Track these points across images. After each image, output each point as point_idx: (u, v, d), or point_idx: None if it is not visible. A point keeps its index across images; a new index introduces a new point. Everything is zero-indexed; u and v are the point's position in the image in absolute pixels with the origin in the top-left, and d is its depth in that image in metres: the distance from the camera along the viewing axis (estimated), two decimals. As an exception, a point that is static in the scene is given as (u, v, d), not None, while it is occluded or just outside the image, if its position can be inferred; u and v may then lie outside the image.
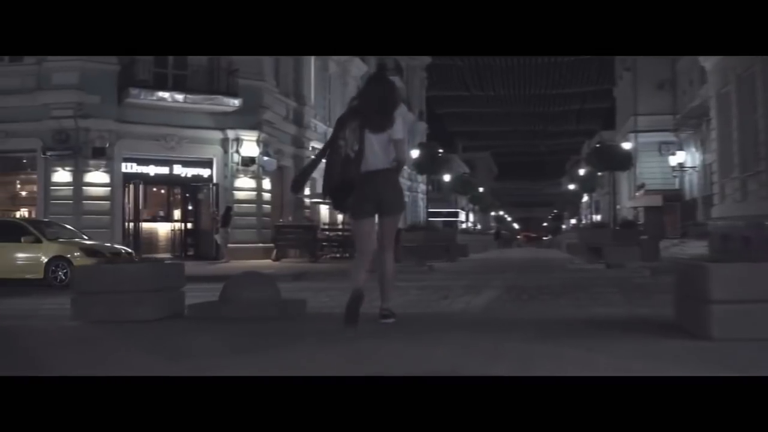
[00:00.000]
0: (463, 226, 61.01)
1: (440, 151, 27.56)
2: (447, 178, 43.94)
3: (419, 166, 25.87)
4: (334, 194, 5.19)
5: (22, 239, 13.91)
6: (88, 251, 13.74)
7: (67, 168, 19.50)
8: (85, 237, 15.24)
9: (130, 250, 14.89)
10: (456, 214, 61.84)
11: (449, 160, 54.78)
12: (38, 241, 13.97)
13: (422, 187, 44.13)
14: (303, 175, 5.79)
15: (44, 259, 13.69)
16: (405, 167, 6.71)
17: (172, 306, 5.57)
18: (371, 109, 5.04)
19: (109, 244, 15.22)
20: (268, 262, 20.33)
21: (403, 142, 5.13)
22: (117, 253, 14.09)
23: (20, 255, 13.99)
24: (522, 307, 8.09)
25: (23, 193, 21.71)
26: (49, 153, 19.32)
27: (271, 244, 21.66)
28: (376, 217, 5.13)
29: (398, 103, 5.27)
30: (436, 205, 56.35)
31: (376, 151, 5.00)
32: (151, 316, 5.28)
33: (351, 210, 5.22)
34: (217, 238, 20.81)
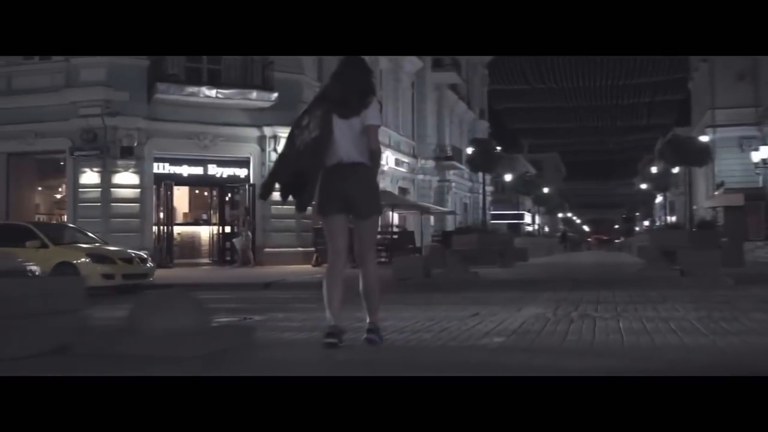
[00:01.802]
0: (529, 228, 58.52)
1: (498, 148, 25.75)
2: (509, 177, 41.79)
3: (472, 163, 24.04)
4: (284, 189, 4.60)
5: (27, 244, 12.83)
6: (95, 257, 12.60)
7: (95, 169, 18.56)
8: (100, 242, 14.08)
9: (145, 256, 13.65)
10: (521, 217, 59.36)
11: (512, 159, 52.65)
12: (44, 246, 12.87)
13: (484, 188, 42.07)
14: (271, 179, 4.81)
15: (49, 265, 12.56)
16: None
17: (58, 337, 4.03)
18: (340, 92, 4.55)
19: (129, 250, 14.04)
20: (307, 267, 18.94)
21: (375, 130, 4.58)
22: (128, 259, 12.88)
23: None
24: (562, 335, 6.30)
25: (58, 197, 21.00)
26: (76, 153, 18.42)
27: (312, 248, 20.23)
28: (349, 217, 4.58)
29: (373, 89, 4.76)
30: (500, 207, 54.27)
31: (345, 140, 4.47)
32: (20, 351, 3.77)
33: (317, 207, 4.62)
34: (236, 242, 19.54)
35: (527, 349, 5.03)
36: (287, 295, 11.84)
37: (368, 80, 4.69)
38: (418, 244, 24.55)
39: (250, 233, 19.31)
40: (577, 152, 77.49)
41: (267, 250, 20.16)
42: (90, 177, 18.61)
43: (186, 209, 22.22)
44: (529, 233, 48.84)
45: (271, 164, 20.16)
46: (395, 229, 25.02)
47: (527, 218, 62.72)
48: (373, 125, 4.55)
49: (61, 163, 19.81)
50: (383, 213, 24.37)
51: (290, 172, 4.53)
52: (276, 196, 4.71)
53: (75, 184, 18.76)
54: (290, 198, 4.65)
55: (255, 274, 16.08)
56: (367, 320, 4.67)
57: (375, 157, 4.59)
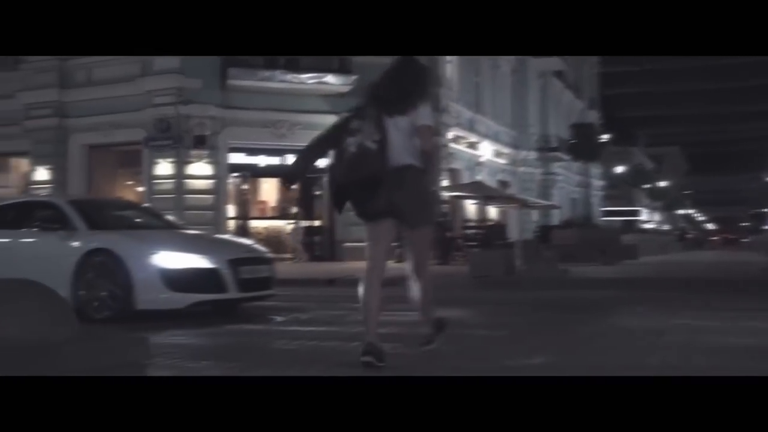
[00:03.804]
0: (647, 226, 54.91)
1: (604, 136, 23.53)
2: (620, 169, 38.94)
3: (572, 150, 21.96)
4: (354, 196, 4.32)
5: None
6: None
7: (169, 159, 17.98)
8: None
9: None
10: (635, 213, 55.78)
11: (626, 152, 49.45)
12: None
13: (589, 179, 39.42)
14: (302, 165, 4.69)
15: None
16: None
17: None
18: (390, 90, 4.34)
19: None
20: (388, 263, 17.63)
21: (429, 130, 4.34)
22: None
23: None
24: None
25: (139, 189, 20.66)
26: (150, 143, 17.93)
27: (395, 243, 18.88)
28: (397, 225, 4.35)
29: (429, 88, 4.50)
30: (613, 203, 51.19)
31: (395, 140, 4.24)
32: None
33: (360, 210, 4.37)
34: (290, 236, 18.42)
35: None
36: (342, 293, 10.59)
37: (424, 80, 4.42)
38: (513, 239, 22.75)
39: (304, 225, 18.23)
40: (699, 143, 72.02)
41: (346, 245, 18.97)
42: (164, 168, 18.09)
43: (274, 202, 21.40)
44: (643, 230, 45.50)
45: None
46: (488, 223, 23.36)
47: (643, 215, 59.00)
48: (426, 125, 4.31)
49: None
50: (481, 206, 22.70)
51: (359, 178, 4.23)
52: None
53: (150, 176, 18.30)
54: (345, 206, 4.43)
55: (325, 270, 14.93)
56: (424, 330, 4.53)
57: (430, 159, 4.38)
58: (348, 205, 4.40)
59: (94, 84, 19.01)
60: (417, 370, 4.22)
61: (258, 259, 7.91)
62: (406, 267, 4.52)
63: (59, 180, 19.34)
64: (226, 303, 7.53)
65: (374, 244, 4.38)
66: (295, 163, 4.74)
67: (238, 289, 7.26)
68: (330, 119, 18.77)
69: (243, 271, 7.35)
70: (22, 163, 20.92)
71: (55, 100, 19.38)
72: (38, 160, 19.75)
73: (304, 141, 18.17)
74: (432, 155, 4.42)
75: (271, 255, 8.36)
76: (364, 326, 4.31)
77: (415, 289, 4.46)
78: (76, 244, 7.24)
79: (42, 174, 19.61)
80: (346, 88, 18.58)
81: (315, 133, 17.71)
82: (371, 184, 4.20)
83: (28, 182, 19.98)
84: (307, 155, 4.68)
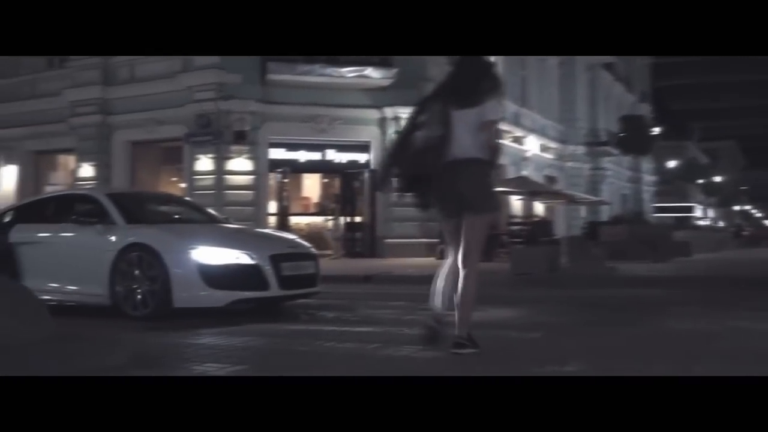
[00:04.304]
0: (701, 222, 53.28)
1: (655, 129, 22.71)
2: (672, 164, 37.77)
3: (621, 143, 21.24)
4: (410, 189, 4.57)
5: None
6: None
7: (209, 155, 17.94)
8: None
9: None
10: (689, 209, 54.19)
11: (679, 146, 48.02)
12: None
13: (640, 174, 38.38)
14: (386, 169, 4.78)
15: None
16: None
17: None
18: (458, 85, 4.45)
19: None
20: (430, 260, 17.28)
21: (494, 125, 4.48)
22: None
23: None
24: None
25: (182, 185, 20.71)
26: (191, 139, 17.92)
27: (437, 240, 18.51)
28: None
29: (495, 85, 4.51)
30: (666, 199, 49.84)
31: (461, 134, 4.34)
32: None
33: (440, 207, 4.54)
34: (329, 232, 18.19)
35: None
36: (376, 290, 10.33)
37: (490, 76, 4.50)
38: (559, 236, 22.16)
39: (343, 222, 17.98)
40: (756, 137, 69.54)
41: (388, 241, 18.70)
42: (204, 163, 18.06)
43: (316, 198, 21.24)
44: (697, 227, 44.12)
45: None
46: (534, 219, 22.80)
47: (697, 211, 57.31)
48: (491, 120, 4.42)
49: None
50: (527, 201, 22.11)
51: (413, 172, 4.42)
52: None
53: (191, 172, 18.30)
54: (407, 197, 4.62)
55: (363, 266, 14.66)
56: (455, 332, 4.39)
57: (494, 153, 4.49)
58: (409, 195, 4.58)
59: (137, 81, 19.13)
60: (433, 372, 3.91)
61: (301, 255, 7.56)
62: (451, 263, 4.55)
63: (104, 176, 19.51)
64: (268, 301, 7.18)
65: (450, 239, 4.51)
66: (380, 170, 4.95)
67: (280, 287, 6.93)
68: (370, 113, 18.54)
69: (285, 268, 7.01)
70: (69, 160, 21.19)
71: (99, 97, 19.55)
72: (83, 156, 19.97)
73: (344, 136, 18.00)
74: (497, 149, 4.53)
75: (314, 251, 8.00)
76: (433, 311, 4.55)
77: (457, 285, 4.40)
78: (113, 238, 7.00)
79: (87, 170, 19.82)
80: (387, 82, 18.30)
81: (355, 128, 17.55)
82: (436, 177, 4.33)
83: (74, 179, 20.22)
84: (387, 160, 4.78)
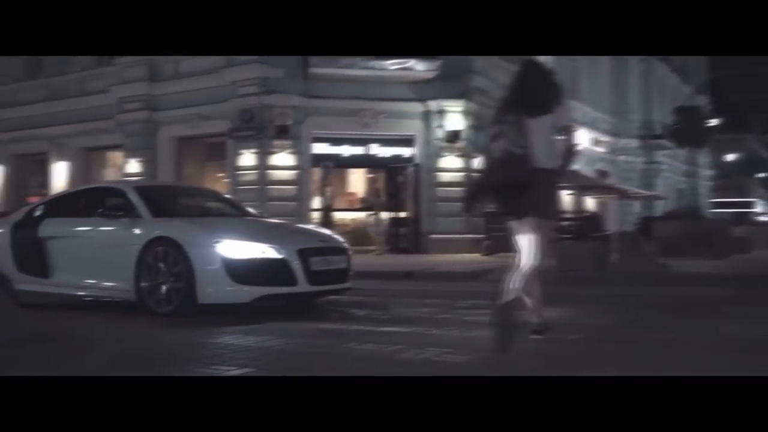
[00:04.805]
0: (762, 218, 51.36)
1: (711, 121, 21.80)
2: (731, 157, 36.41)
3: (676, 135, 20.43)
4: (496, 199, 4.72)
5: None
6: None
7: (252, 150, 17.87)
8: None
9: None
10: (749, 204, 52.28)
11: (739, 139, 46.32)
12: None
13: (696, 168, 37.08)
14: (476, 192, 5.09)
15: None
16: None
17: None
18: (526, 94, 4.61)
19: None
20: (475, 256, 16.89)
21: (569, 130, 4.69)
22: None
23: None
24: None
25: (226, 181, 20.72)
26: (234, 134, 17.87)
27: (483, 236, 18.07)
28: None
29: (561, 89, 4.73)
30: (725, 194, 48.20)
31: (537, 142, 4.48)
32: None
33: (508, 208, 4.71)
34: (372, 227, 17.84)
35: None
36: (415, 287, 10.04)
37: (549, 81, 4.68)
38: (611, 231, 21.48)
39: (386, 217, 17.68)
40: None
41: (432, 236, 18.35)
42: (247, 158, 17.99)
43: (361, 193, 21.03)
44: (757, 222, 42.47)
45: (438, 142, 18.49)
46: (583, 215, 22.15)
47: (758, 207, 55.29)
48: (566, 126, 4.66)
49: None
50: (578, 196, 21.60)
51: (498, 183, 4.57)
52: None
53: (234, 167, 18.26)
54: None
55: (406, 262, 14.37)
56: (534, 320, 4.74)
57: (571, 156, 4.70)
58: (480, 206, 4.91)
59: (181, 77, 19.17)
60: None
61: (332, 249, 7.24)
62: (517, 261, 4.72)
63: (150, 172, 19.64)
64: (297, 297, 6.90)
65: (526, 238, 4.63)
66: (469, 190, 5.20)
67: (308, 282, 6.64)
68: (414, 107, 18.13)
69: (314, 263, 6.72)
70: (117, 156, 21.41)
71: (145, 94, 19.67)
72: (131, 152, 20.12)
73: (388, 130, 17.58)
74: (572, 154, 4.73)
75: (346, 245, 7.65)
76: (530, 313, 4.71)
77: (530, 281, 4.66)
78: (139, 232, 6.83)
79: (134, 166, 19.97)
80: (431, 74, 17.94)
81: (399, 122, 17.11)
82: (518, 186, 4.48)
83: (122, 175, 20.41)
84: (479, 183, 4.95)
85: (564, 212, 23.20)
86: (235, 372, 3.85)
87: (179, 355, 4.57)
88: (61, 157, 22.19)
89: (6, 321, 6.74)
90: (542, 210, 4.60)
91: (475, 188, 4.94)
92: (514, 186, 4.50)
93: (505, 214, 4.73)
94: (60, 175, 22.06)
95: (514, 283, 4.54)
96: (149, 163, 19.81)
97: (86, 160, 22.10)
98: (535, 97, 4.59)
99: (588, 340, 5.00)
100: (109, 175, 21.73)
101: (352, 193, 20.39)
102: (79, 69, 21.40)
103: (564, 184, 21.34)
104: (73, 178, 21.73)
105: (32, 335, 5.60)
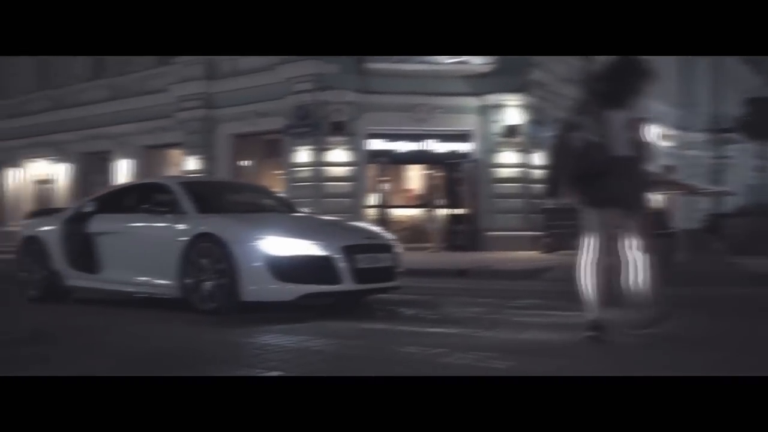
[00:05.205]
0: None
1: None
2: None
3: (746, 128, 19.51)
4: (574, 189, 4.70)
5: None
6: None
7: (307, 147, 17.81)
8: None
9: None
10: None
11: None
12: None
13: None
14: (556, 176, 4.95)
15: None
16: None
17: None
18: (613, 86, 4.65)
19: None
20: (533, 254, 16.44)
21: (645, 123, 4.77)
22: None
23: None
24: None
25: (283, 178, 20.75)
26: (289, 131, 17.84)
27: (542, 233, 17.59)
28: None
29: (647, 84, 4.69)
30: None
31: (616, 133, 4.57)
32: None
33: (589, 199, 4.67)
34: (428, 225, 17.59)
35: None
36: (469, 286, 9.74)
37: (643, 76, 4.66)
38: (677, 228, 20.68)
39: (442, 214, 17.35)
40: None
41: (490, 233, 17.96)
42: (303, 155, 17.94)
43: (417, 190, 20.79)
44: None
45: (495, 137, 18.08)
46: (650, 211, 21.35)
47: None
48: (643, 118, 4.73)
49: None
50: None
51: (576, 173, 4.62)
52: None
53: (289, 163, 18.24)
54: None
55: (462, 260, 14.06)
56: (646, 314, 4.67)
57: (647, 150, 4.74)
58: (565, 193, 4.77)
59: (238, 74, 19.26)
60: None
61: (378, 247, 7.00)
62: (598, 258, 4.68)
63: (208, 170, 19.82)
64: (342, 296, 6.67)
65: (600, 231, 4.64)
66: (550, 178, 5.05)
67: (354, 281, 6.44)
68: (471, 101, 17.77)
69: (360, 260, 6.51)
70: (176, 154, 21.70)
71: (203, 92, 19.85)
72: (190, 150, 20.35)
73: (444, 125, 17.26)
74: (649, 146, 4.78)
75: (394, 242, 7.42)
76: (589, 305, 4.65)
77: (633, 274, 4.64)
78: (183, 228, 6.76)
79: (192, 164, 20.19)
80: (487, 68, 17.56)
81: (456, 117, 16.85)
82: (598, 175, 4.53)
83: (182, 173, 20.65)
84: (555, 167, 4.95)
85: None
86: (260, 374, 3.67)
87: (211, 355, 4.43)
88: (124, 155, 22.62)
89: (46, 317, 6.75)
90: (627, 200, 4.60)
91: (558, 173, 4.88)
92: (595, 176, 4.54)
93: (588, 204, 4.68)
94: (122, 173, 22.49)
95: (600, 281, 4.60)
96: (207, 161, 20.00)
97: (147, 158, 22.46)
98: (620, 91, 4.63)
99: (642, 344, 4.66)
100: (169, 173, 22.05)
101: (408, 190, 20.14)
102: (139, 69, 21.77)
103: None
104: (135, 175, 22.13)
105: (65, 332, 5.57)
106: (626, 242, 4.65)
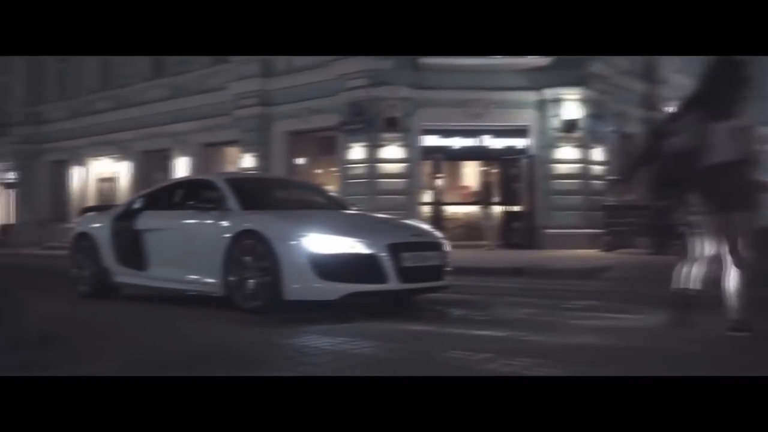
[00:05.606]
0: None
1: None
2: None
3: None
4: (662, 192, 4.91)
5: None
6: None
7: (361, 143, 17.67)
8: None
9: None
10: None
11: None
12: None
13: None
14: (634, 167, 5.18)
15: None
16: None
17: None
18: (716, 96, 4.65)
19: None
20: (593, 252, 15.94)
21: (752, 130, 4.74)
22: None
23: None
24: None
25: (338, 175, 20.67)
26: (343, 127, 17.74)
27: (602, 230, 17.04)
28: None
29: (749, 91, 4.72)
30: None
31: (723, 142, 4.58)
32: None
33: (703, 206, 4.78)
34: (484, 222, 17.30)
35: None
36: (524, 285, 9.43)
37: (745, 82, 4.65)
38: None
39: (498, 211, 16.96)
40: None
41: (547, 231, 17.51)
42: (357, 152, 17.80)
43: (474, 187, 20.44)
44: None
45: (553, 132, 17.59)
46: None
47: None
48: (750, 126, 4.69)
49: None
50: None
51: (666, 177, 4.74)
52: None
53: (343, 160, 18.14)
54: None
55: (518, 258, 13.69)
56: (734, 316, 4.69)
57: (756, 156, 4.69)
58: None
59: (293, 71, 19.26)
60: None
61: (426, 245, 6.78)
62: (720, 254, 4.74)
63: (264, 167, 19.89)
64: (389, 295, 6.49)
65: (715, 236, 4.72)
66: (627, 165, 5.14)
67: (399, 280, 6.23)
68: (528, 96, 17.27)
69: (406, 258, 6.29)
70: (233, 152, 21.87)
71: (259, 89, 19.92)
72: (246, 147, 20.46)
73: (500, 120, 16.79)
74: (756, 151, 4.71)
75: (443, 240, 7.18)
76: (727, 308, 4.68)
77: (729, 277, 4.68)
78: (227, 225, 6.67)
79: (249, 161, 20.30)
80: (545, 62, 17.07)
81: (512, 112, 16.43)
82: (678, 183, 4.67)
83: (239, 170, 20.79)
84: (634, 161, 5.09)
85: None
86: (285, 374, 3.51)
87: (246, 356, 4.28)
88: (183, 153, 22.93)
89: (91, 313, 6.75)
90: (742, 202, 4.65)
91: (636, 173, 4.97)
92: (684, 180, 4.63)
93: (701, 210, 4.73)
94: (182, 171, 22.80)
95: (695, 274, 4.75)
96: (263, 158, 20.07)
97: (205, 156, 22.72)
98: (722, 101, 4.63)
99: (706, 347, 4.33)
100: (226, 170, 22.23)
101: (463, 187, 19.80)
102: (197, 68, 22.01)
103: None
104: (195, 173, 22.40)
105: (105, 329, 5.53)
106: (729, 245, 4.68)
